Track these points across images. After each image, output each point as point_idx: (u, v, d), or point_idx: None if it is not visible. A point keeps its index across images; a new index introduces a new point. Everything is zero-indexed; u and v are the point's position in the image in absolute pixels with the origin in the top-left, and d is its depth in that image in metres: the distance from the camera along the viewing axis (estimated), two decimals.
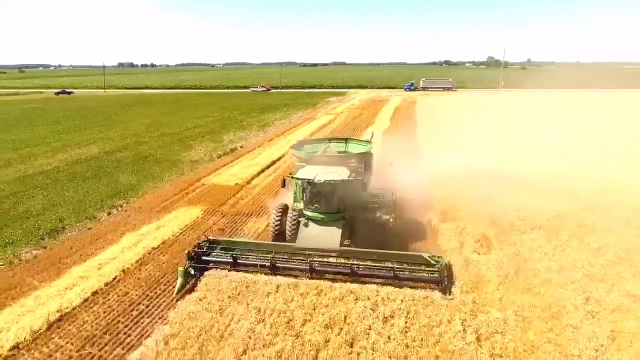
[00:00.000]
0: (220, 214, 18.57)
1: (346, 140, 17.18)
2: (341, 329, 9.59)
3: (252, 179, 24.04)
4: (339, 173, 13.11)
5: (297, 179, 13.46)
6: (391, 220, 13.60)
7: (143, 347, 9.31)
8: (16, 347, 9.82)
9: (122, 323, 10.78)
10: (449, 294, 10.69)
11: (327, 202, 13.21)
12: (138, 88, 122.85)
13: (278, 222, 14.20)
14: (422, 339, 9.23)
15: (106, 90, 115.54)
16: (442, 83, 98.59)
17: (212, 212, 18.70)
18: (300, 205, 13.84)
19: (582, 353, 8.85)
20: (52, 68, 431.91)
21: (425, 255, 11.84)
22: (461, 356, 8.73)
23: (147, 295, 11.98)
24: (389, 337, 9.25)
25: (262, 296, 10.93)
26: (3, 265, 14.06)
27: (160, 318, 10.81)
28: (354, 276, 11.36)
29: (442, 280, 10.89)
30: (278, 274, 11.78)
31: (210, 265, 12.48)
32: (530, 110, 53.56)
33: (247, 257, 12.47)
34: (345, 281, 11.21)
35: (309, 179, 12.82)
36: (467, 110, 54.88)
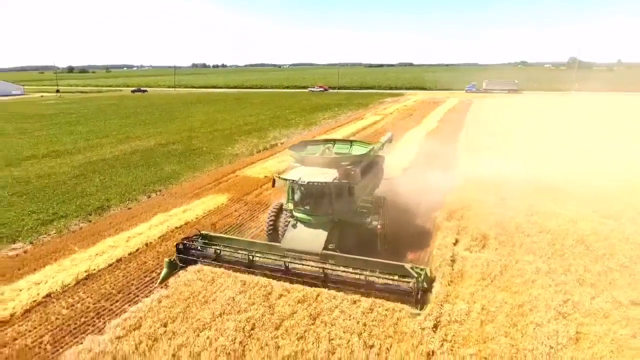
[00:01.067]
0: (243, 202, 20.18)
1: (351, 142, 16.98)
2: (310, 304, 10.52)
3: (282, 172, 25.43)
4: (326, 175, 12.78)
5: (283, 179, 13.41)
6: (379, 226, 13.30)
7: (140, 304, 10.93)
8: (48, 295, 11.96)
9: (135, 286, 12.60)
10: (419, 308, 10.21)
11: (314, 204, 13.12)
12: (205, 87, 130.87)
13: (272, 221, 14.46)
14: (380, 320, 9.89)
15: (176, 88, 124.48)
16: (506, 85, 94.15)
17: (237, 200, 20.38)
18: (291, 205, 13.81)
19: (535, 348, 8.99)
20: (134, 68, 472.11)
21: (408, 266, 11.22)
22: (412, 338, 9.28)
23: (161, 266, 13.66)
24: (350, 316, 10.03)
25: (251, 272, 12.14)
26: (55, 233, 16.71)
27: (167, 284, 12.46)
28: (327, 281, 11.26)
29: (415, 294, 10.40)
30: (253, 273, 11.95)
31: (195, 258, 12.80)
32: (593, 113, 49.85)
33: (229, 254, 12.82)
34: (316, 286, 11.19)
35: (293, 180, 12.79)
36: (523, 113, 52.35)
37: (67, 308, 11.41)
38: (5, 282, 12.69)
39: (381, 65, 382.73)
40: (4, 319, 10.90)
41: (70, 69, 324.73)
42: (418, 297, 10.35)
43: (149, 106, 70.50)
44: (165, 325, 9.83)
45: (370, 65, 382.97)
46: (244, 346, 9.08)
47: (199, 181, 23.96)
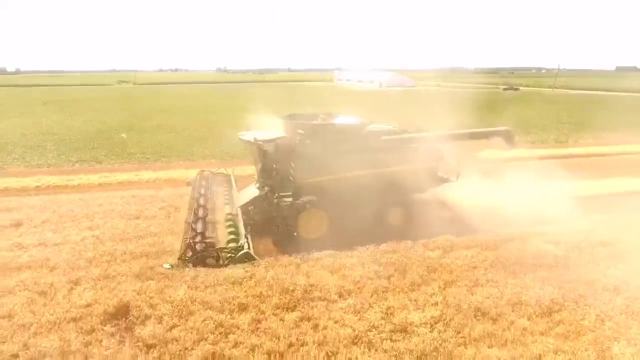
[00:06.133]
0: None
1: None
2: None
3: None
4: (259, 135, 12.08)
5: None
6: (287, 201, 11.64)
7: None
8: None
9: None
10: (176, 265, 9.57)
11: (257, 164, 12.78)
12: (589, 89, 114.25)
13: None
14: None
15: (555, 89, 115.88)
16: None
17: None
18: None
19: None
20: (543, 70, 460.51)
21: (244, 241, 10.35)
22: None
23: None
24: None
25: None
26: None
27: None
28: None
29: (189, 253, 9.82)
30: None
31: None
32: None
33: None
34: None
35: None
36: None
37: None
38: None
39: None
40: None
41: (476, 69, 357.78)
42: (188, 256, 9.75)
43: (469, 103, 70.68)
44: None
45: None
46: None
47: None
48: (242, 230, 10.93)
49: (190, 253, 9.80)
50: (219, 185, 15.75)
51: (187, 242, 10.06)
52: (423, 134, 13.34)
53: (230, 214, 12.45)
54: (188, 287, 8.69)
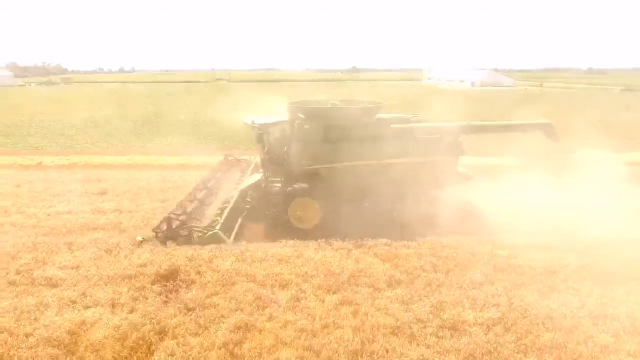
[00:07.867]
0: None
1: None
2: None
3: None
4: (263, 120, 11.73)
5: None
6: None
7: None
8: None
9: None
10: (144, 240, 9.73)
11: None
12: None
13: None
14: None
15: None
16: None
17: None
18: None
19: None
20: None
21: (217, 226, 10.02)
22: None
23: None
24: None
25: None
26: None
27: None
28: None
29: (160, 232, 9.78)
30: None
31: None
32: None
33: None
34: None
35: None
36: None
37: None
38: None
39: None
40: None
41: (590, 69, 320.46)
42: (160, 233, 9.77)
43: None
44: None
45: None
46: None
47: None
48: (227, 213, 10.84)
49: (165, 227, 9.86)
50: (238, 170, 16.12)
51: (165, 217, 10.11)
52: (442, 123, 11.86)
53: (229, 197, 12.44)
54: (236, 259, 8.77)
